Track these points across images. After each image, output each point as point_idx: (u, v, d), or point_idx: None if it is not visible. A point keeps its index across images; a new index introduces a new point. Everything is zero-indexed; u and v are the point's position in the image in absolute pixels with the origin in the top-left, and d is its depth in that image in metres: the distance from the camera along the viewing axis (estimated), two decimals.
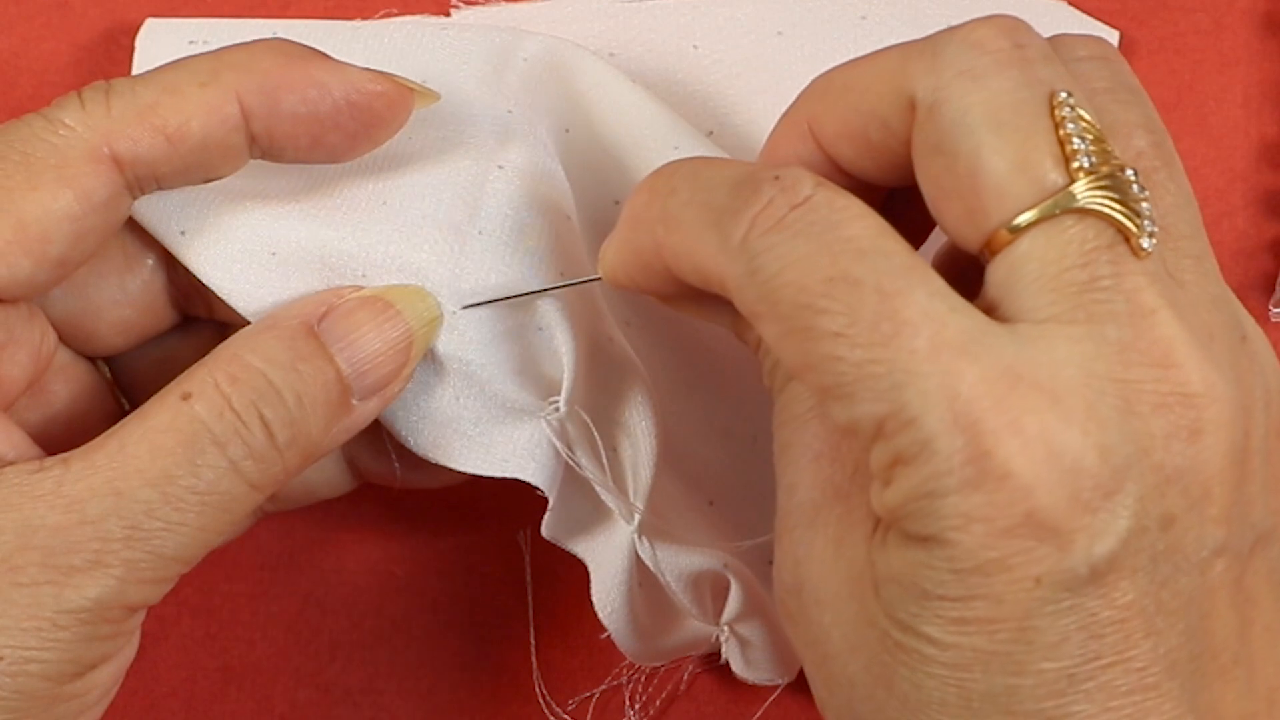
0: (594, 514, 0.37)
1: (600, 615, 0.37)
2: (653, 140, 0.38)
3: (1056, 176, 0.27)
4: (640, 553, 0.36)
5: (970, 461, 0.25)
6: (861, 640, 0.28)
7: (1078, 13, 0.43)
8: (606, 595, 0.37)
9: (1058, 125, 0.27)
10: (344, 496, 0.41)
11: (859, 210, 0.27)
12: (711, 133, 0.41)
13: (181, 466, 0.30)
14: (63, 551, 0.29)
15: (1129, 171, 0.27)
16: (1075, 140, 0.27)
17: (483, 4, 0.44)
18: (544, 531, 0.37)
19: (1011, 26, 0.28)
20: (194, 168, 0.32)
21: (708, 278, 0.29)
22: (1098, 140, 0.27)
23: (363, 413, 0.33)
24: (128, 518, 0.29)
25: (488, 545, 0.41)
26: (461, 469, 0.35)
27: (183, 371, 0.32)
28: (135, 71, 0.36)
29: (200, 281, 0.35)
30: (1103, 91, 0.29)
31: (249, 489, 0.31)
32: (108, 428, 0.31)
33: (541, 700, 0.42)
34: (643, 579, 0.37)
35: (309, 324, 0.32)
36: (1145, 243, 0.27)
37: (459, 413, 0.35)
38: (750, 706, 0.41)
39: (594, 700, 0.42)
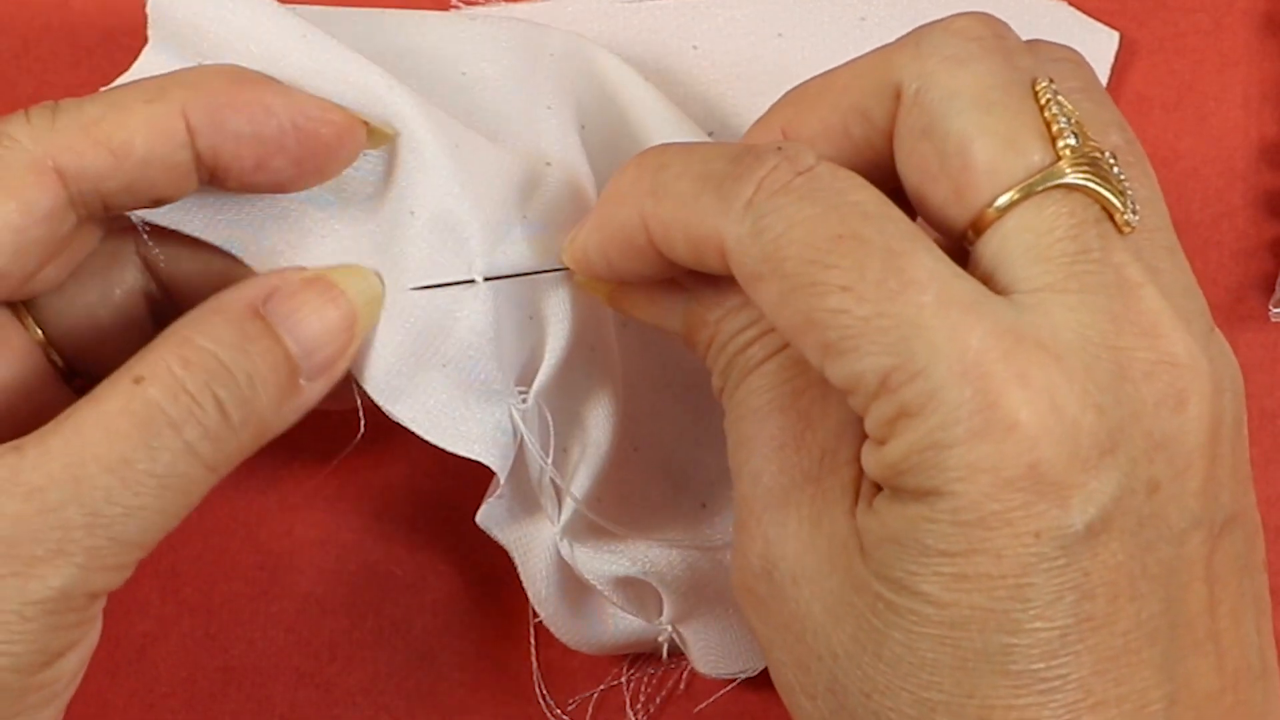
0: (530, 510, 0.38)
1: (534, 604, 0.39)
2: (660, 139, 0.38)
3: (1043, 154, 0.28)
4: (563, 553, 0.37)
5: (979, 411, 0.26)
6: (847, 609, 0.28)
7: (1077, 13, 0.43)
8: (536, 589, 0.38)
9: (1042, 108, 0.28)
10: (344, 496, 0.41)
11: (861, 181, 0.28)
12: (712, 133, 0.41)
13: (139, 450, 0.30)
14: (25, 541, 0.29)
15: (1108, 154, 0.28)
16: (1060, 120, 0.28)
17: (483, 3, 0.44)
18: (479, 519, 0.37)
19: (990, 20, 0.29)
20: (140, 184, 0.32)
21: (700, 244, 0.29)
22: (1078, 124, 0.28)
23: (311, 393, 0.33)
24: (88, 504, 0.29)
25: (488, 546, 0.40)
26: (430, 439, 0.35)
27: (120, 344, 0.32)
28: (150, 29, 0.35)
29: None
30: (1077, 90, 0.30)
31: (205, 470, 0.31)
32: (54, 410, 0.31)
33: (541, 700, 0.42)
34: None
35: (254, 305, 0.32)
36: (1130, 218, 0.28)
37: (438, 383, 0.35)
38: (751, 706, 0.42)
39: (594, 700, 0.42)
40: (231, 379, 0.31)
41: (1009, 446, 0.26)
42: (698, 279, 0.32)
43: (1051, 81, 0.28)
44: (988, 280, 0.28)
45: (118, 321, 0.35)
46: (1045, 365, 0.26)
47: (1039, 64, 0.29)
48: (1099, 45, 0.44)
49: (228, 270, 0.35)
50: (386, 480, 0.43)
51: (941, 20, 0.29)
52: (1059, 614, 0.26)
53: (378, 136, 0.33)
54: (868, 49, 0.31)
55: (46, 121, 0.31)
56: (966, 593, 0.26)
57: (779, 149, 0.28)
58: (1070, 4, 0.44)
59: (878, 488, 0.29)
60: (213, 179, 0.32)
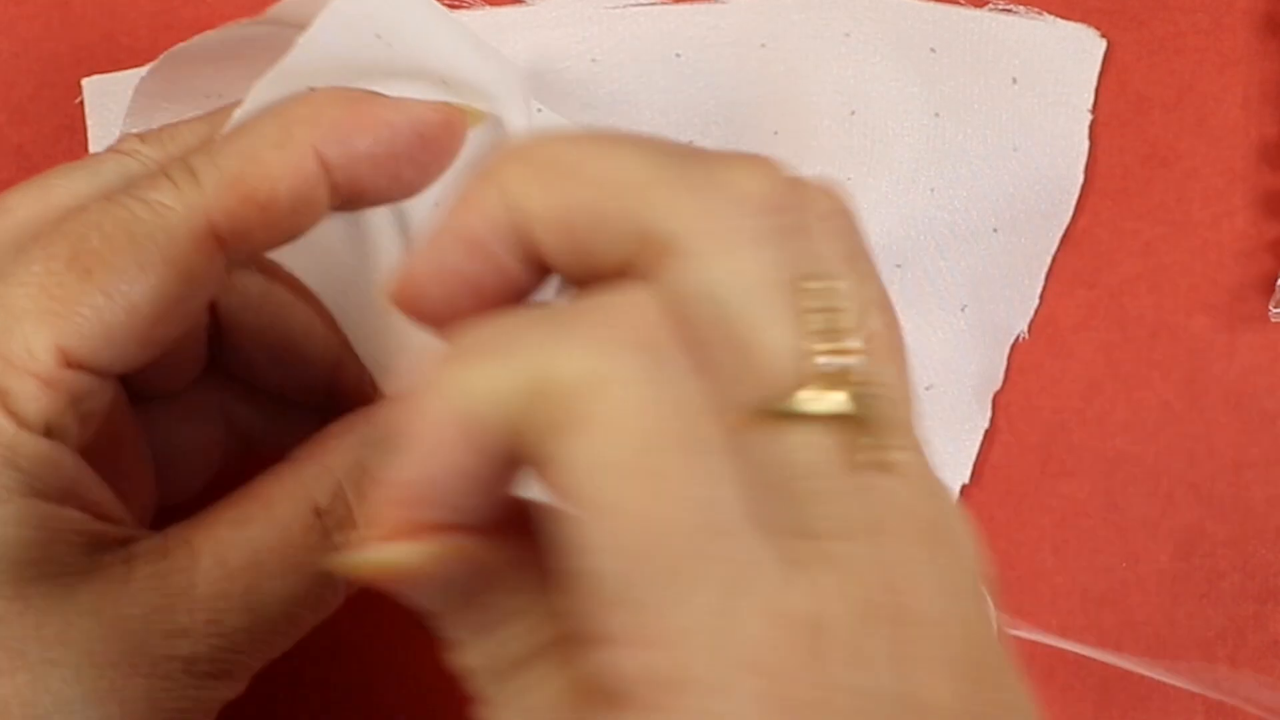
0: None
1: None
2: None
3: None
4: None
5: None
6: None
7: (1060, 21, 0.43)
8: None
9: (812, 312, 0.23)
10: None
11: None
12: (692, 142, 0.41)
13: (310, 589, 0.31)
14: (203, 661, 0.30)
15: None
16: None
17: (466, 7, 0.44)
18: None
19: (773, 181, 0.24)
20: (282, 229, 0.31)
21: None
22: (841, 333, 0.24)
23: None
24: (258, 634, 0.30)
25: None
26: None
27: None
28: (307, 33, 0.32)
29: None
30: (842, 258, 0.25)
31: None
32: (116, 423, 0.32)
33: None
34: None
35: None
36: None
37: None
38: None
39: None
40: None
41: None
42: None
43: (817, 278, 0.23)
44: (771, 492, 0.22)
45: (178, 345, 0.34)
46: None
47: (807, 240, 0.24)
48: (1082, 51, 0.43)
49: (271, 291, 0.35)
50: None
51: (720, 174, 0.24)
52: None
53: (473, 117, 0.33)
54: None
55: (192, 183, 0.30)
56: None
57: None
58: (1069, 3, 0.43)
59: None
60: (344, 204, 0.32)
